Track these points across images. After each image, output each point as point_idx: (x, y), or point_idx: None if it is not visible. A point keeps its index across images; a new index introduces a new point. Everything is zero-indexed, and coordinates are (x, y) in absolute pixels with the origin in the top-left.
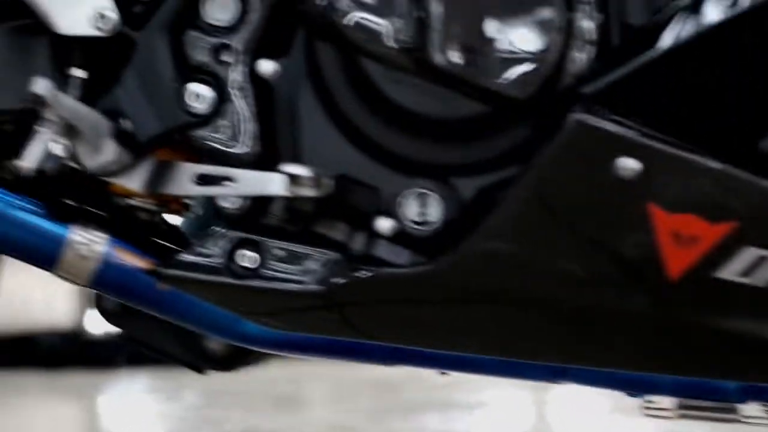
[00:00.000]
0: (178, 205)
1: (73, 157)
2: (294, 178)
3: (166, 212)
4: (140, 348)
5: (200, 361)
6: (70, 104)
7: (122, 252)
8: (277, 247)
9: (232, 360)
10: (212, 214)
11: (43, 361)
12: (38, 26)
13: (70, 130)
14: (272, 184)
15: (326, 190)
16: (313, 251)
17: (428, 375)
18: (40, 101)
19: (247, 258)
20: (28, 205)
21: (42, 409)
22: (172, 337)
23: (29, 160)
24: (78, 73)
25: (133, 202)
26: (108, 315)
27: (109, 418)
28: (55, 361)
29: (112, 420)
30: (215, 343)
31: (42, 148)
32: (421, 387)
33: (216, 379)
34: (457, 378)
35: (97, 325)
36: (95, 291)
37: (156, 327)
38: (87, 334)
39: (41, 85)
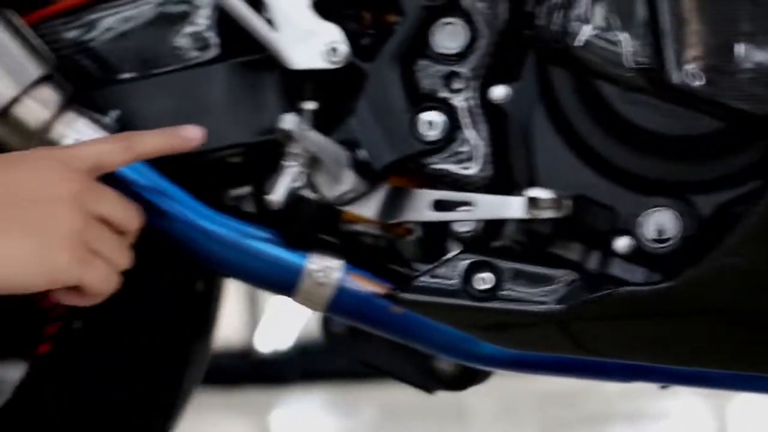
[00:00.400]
0: (402, 229)
1: (313, 187)
2: (533, 201)
3: (390, 237)
4: (368, 369)
5: (430, 381)
6: (315, 138)
7: (357, 277)
8: (513, 268)
9: (462, 379)
10: (440, 237)
11: (218, 379)
12: (267, 61)
13: (313, 163)
14: (511, 207)
15: (564, 212)
16: (548, 271)
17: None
18: (288, 136)
19: (484, 280)
20: (262, 234)
21: (219, 426)
22: (400, 359)
23: (278, 193)
24: (310, 105)
25: (358, 227)
26: (335, 338)
27: None
28: (229, 379)
29: None
30: (444, 364)
31: (289, 181)
32: (600, 398)
33: (393, 394)
34: (635, 387)
35: (266, 343)
36: (326, 315)
37: (384, 349)
38: (257, 352)
39: (289, 121)
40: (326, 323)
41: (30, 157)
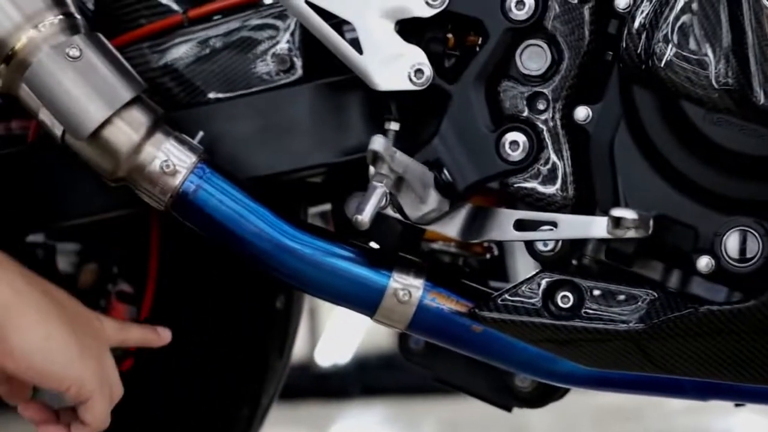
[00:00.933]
0: (480, 248)
1: (398, 207)
2: (616, 221)
3: (467, 255)
4: (445, 386)
5: (507, 398)
6: (403, 159)
7: (438, 296)
8: (594, 287)
9: (539, 396)
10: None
11: (280, 394)
12: (350, 83)
13: (399, 183)
14: (595, 227)
15: (647, 231)
16: (629, 290)
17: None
18: (376, 157)
19: (566, 298)
20: (345, 253)
21: None
22: (477, 376)
23: (366, 214)
24: (393, 126)
25: (436, 246)
26: (412, 355)
27: None
28: (289, 393)
29: None
30: (521, 381)
31: (376, 201)
32: (661, 414)
33: (453, 409)
34: (695, 403)
35: (326, 357)
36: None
37: (461, 366)
38: (317, 366)
39: (378, 143)
40: (403, 340)
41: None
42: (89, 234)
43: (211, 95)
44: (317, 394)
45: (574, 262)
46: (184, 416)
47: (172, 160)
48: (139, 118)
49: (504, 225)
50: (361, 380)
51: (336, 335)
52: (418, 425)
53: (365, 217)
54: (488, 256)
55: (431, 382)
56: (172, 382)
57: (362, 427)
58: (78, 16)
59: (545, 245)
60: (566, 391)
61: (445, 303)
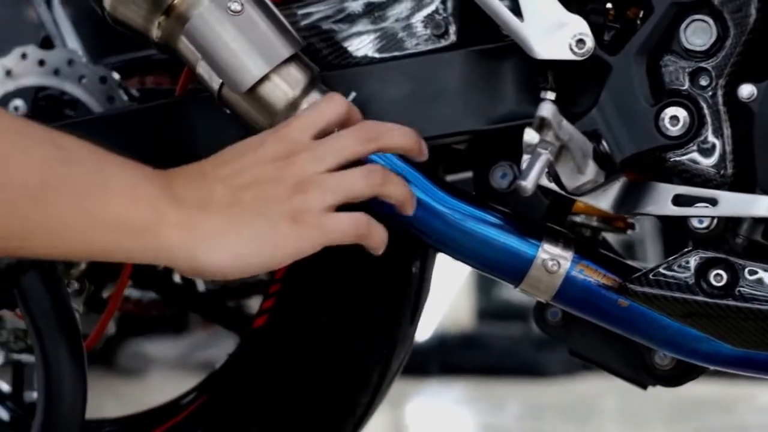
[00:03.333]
0: (622, 223)
1: (555, 177)
2: None
3: (609, 230)
4: (581, 359)
5: (644, 376)
6: (568, 128)
7: (586, 268)
8: (748, 266)
9: (678, 375)
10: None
11: None
12: (506, 50)
13: (560, 152)
14: (757, 205)
15: None
16: None
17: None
18: (545, 123)
19: (719, 277)
20: (496, 220)
21: None
22: (614, 352)
23: (530, 180)
24: (550, 95)
25: (578, 218)
26: (549, 327)
27: (418, 428)
28: None
29: (423, 429)
30: (660, 358)
31: (541, 168)
32: (757, 407)
33: (535, 390)
34: None
35: None
36: (543, 304)
37: (598, 340)
38: None
39: (547, 109)
40: (539, 311)
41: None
42: None
43: (363, 57)
44: None
45: (730, 240)
46: (316, 376)
47: None
48: (296, 75)
49: (661, 200)
50: (441, 358)
51: None
52: (500, 406)
53: (529, 183)
54: (629, 231)
55: (512, 363)
56: (305, 341)
57: (441, 405)
58: None
59: (700, 222)
60: (702, 370)
61: (592, 276)
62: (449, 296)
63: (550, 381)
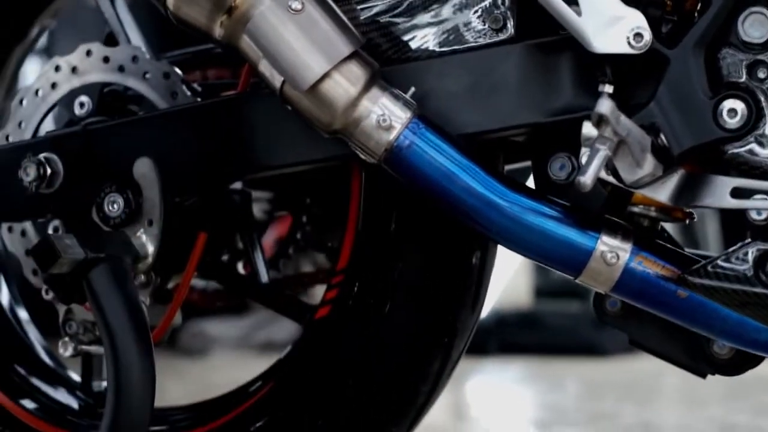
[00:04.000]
0: (681, 213)
1: (614, 171)
2: None
3: (667, 220)
4: (640, 348)
5: (702, 364)
6: (627, 123)
7: (644, 260)
8: None
9: (736, 364)
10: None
11: None
12: (563, 44)
13: (619, 147)
14: None
15: None
16: None
17: None
18: (603, 120)
19: None
20: (554, 213)
21: None
22: (672, 341)
23: (589, 175)
24: (608, 89)
25: (636, 209)
26: (608, 316)
27: (477, 407)
28: None
29: (481, 409)
30: (719, 348)
31: (599, 163)
32: None
33: (593, 369)
34: None
35: None
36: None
37: (657, 330)
38: None
39: (605, 105)
40: (598, 301)
41: None
42: (282, 183)
43: (422, 51)
44: None
45: None
46: (378, 365)
47: (387, 114)
48: (356, 72)
49: (720, 192)
50: (500, 337)
51: None
52: (560, 384)
53: (588, 179)
54: (687, 222)
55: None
56: (367, 331)
57: (501, 383)
58: None
59: (759, 214)
60: (761, 359)
61: (651, 267)
62: (507, 275)
63: (609, 360)
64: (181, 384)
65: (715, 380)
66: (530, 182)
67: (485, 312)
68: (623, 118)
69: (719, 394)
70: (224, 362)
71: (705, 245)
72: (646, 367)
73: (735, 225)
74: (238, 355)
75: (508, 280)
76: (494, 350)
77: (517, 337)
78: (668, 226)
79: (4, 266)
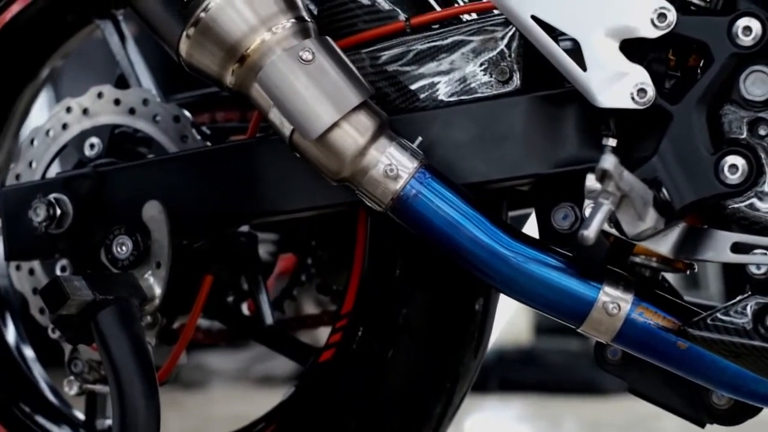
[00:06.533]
0: (681, 264)
1: (616, 224)
2: None
3: (669, 270)
4: (639, 397)
5: (702, 414)
6: (629, 178)
7: (645, 311)
8: None
9: (735, 414)
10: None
11: None
12: (568, 97)
13: (621, 200)
14: None
15: None
16: None
17: None
18: (606, 175)
19: None
20: (557, 263)
21: None
22: (672, 390)
23: (592, 230)
24: (611, 142)
25: (637, 260)
26: (609, 365)
27: None
28: None
29: None
30: (718, 398)
31: (602, 218)
32: None
33: (593, 409)
34: None
35: None
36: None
37: (657, 379)
38: None
39: (609, 161)
40: (599, 349)
41: None
42: (287, 226)
43: (430, 101)
44: None
45: None
46: (380, 409)
47: (395, 164)
48: (365, 122)
49: (720, 246)
50: (500, 374)
51: None
52: (558, 424)
53: (591, 233)
54: (688, 272)
55: (570, 380)
56: (370, 376)
57: (500, 421)
58: (309, 20)
59: (758, 268)
60: (759, 410)
61: (652, 318)
62: (508, 312)
63: (608, 399)
64: (180, 416)
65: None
66: (533, 230)
67: (486, 349)
68: (626, 173)
69: None
70: (223, 395)
71: (706, 286)
72: (646, 407)
73: (735, 269)
74: (237, 388)
75: (509, 317)
76: (494, 387)
77: (517, 374)
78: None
79: (11, 304)
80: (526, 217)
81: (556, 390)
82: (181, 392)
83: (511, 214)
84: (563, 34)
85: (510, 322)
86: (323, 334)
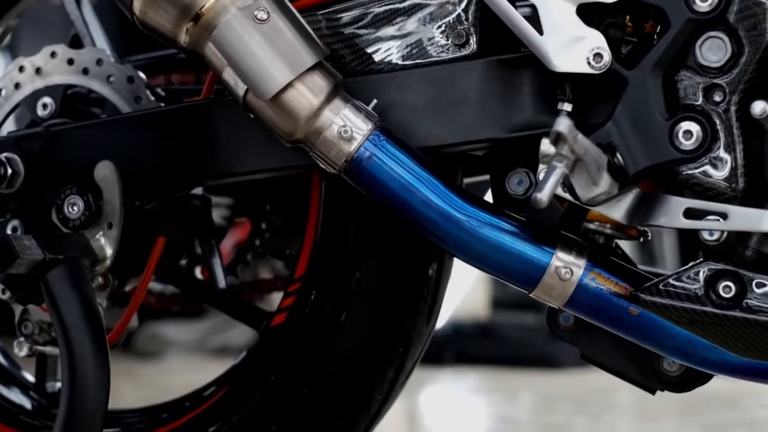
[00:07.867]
0: (635, 231)
1: (570, 188)
2: None
3: (622, 237)
4: (591, 363)
5: (653, 381)
6: (584, 142)
7: (598, 276)
8: (756, 279)
9: (685, 381)
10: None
11: None
12: (524, 61)
13: (575, 164)
14: (767, 221)
15: None
16: None
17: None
18: (561, 138)
19: (728, 288)
20: (511, 228)
21: None
22: (623, 357)
23: (545, 193)
24: (566, 107)
25: (591, 226)
26: (561, 331)
27: (431, 416)
28: None
29: (435, 418)
30: (669, 365)
31: (556, 181)
32: (760, 403)
33: (546, 382)
34: None
35: None
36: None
37: (608, 346)
38: None
39: (563, 124)
40: (552, 315)
41: None
42: (242, 189)
43: (385, 64)
44: None
45: (739, 253)
46: (332, 373)
47: (349, 126)
48: (320, 83)
49: (673, 212)
50: (456, 348)
51: None
52: (513, 396)
53: (544, 195)
54: (642, 239)
55: (526, 354)
56: (321, 339)
57: (455, 394)
58: None
59: (711, 234)
60: (710, 377)
61: (605, 283)
62: (465, 286)
63: (563, 373)
64: (135, 387)
65: (667, 396)
66: (488, 196)
67: (443, 322)
68: (581, 136)
69: (671, 410)
70: (179, 366)
71: (662, 260)
72: (600, 380)
73: (689, 237)
74: (194, 358)
75: (466, 291)
76: (450, 360)
77: (473, 347)
78: (625, 242)
79: None
80: (486, 185)
81: (512, 363)
82: (137, 363)
83: (466, 180)
84: None
85: (467, 295)
86: (277, 299)
